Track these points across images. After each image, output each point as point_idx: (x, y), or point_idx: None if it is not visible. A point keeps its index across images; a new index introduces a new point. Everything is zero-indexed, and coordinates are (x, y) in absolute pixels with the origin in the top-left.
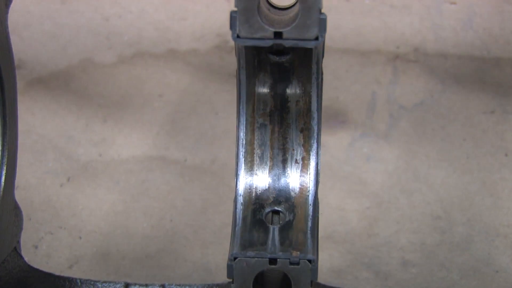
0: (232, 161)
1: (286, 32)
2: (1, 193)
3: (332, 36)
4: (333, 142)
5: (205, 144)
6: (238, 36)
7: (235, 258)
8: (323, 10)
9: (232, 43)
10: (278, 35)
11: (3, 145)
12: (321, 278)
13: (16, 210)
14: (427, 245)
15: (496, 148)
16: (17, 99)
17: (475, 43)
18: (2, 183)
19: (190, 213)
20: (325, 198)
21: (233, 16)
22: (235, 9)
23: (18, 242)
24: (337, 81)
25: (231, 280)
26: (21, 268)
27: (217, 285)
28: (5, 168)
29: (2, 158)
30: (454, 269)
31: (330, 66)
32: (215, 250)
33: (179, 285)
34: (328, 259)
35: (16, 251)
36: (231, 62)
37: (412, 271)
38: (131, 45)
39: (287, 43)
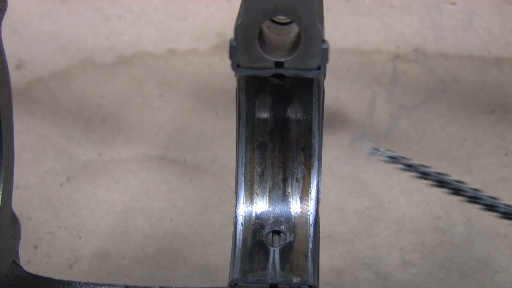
0: (232, 161)
1: (287, 62)
2: None
3: (332, 36)
4: (333, 142)
5: (205, 144)
6: (238, 66)
7: (235, 284)
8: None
9: None
10: (279, 64)
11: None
12: (321, 278)
13: (14, 222)
14: (427, 245)
15: (496, 148)
16: (12, 115)
17: (475, 43)
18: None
19: (190, 213)
20: (325, 198)
21: (232, 46)
22: (234, 38)
23: (17, 252)
24: (337, 81)
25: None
26: (20, 277)
27: None
28: (2, 184)
29: None
30: (454, 269)
31: (330, 66)
32: (215, 250)
33: (177, 287)
34: (328, 259)
35: (15, 262)
36: None
37: (412, 271)
38: (131, 45)
39: (288, 73)
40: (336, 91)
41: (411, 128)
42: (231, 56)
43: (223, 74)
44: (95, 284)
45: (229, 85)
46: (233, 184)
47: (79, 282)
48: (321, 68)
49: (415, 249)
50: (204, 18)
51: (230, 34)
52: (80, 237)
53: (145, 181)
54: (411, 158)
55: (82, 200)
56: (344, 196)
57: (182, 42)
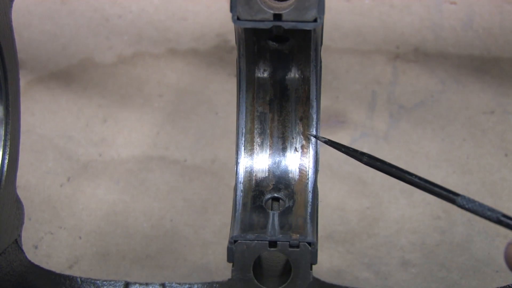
0: (232, 161)
1: (286, 14)
2: (3, 182)
3: (332, 36)
4: None
5: (205, 144)
6: (238, 18)
7: (235, 241)
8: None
9: (232, 43)
10: (277, 17)
11: (5, 135)
12: (321, 278)
13: (17, 203)
14: (427, 245)
15: (496, 148)
16: (20, 90)
17: (475, 43)
18: (5, 171)
19: (190, 213)
20: (326, 198)
21: None
22: None
23: (19, 235)
24: (337, 81)
25: (231, 264)
26: (22, 263)
27: (217, 282)
28: (7, 157)
29: (5, 148)
30: (454, 269)
31: (330, 66)
32: (215, 250)
33: (179, 283)
34: (328, 259)
35: (17, 244)
36: (231, 62)
37: (412, 271)
38: (131, 45)
39: (286, 25)
40: (336, 91)
41: (411, 128)
42: (232, 9)
43: (223, 74)
44: (95, 280)
45: (229, 85)
46: (233, 184)
47: (80, 277)
48: (317, 20)
49: (415, 249)
50: (204, 18)
51: (230, 34)
52: (80, 237)
53: (145, 181)
54: (411, 159)
55: (82, 200)
56: (344, 196)
57: (182, 42)
